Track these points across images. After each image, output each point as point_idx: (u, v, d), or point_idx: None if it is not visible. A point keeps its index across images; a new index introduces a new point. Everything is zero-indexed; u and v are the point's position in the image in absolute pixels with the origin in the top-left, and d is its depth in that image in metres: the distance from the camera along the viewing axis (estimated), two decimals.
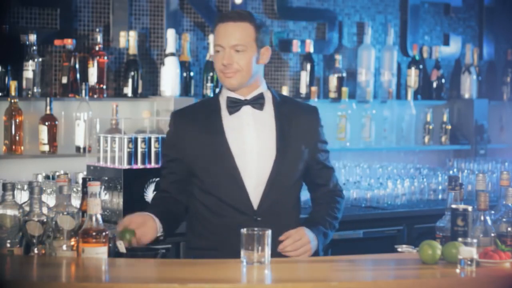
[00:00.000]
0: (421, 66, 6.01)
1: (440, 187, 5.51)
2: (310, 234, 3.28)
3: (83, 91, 4.71)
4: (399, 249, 3.22)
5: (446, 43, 6.28)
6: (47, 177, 4.60)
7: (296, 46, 5.56)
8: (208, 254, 3.26)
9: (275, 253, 3.09)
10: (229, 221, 3.30)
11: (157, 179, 4.35)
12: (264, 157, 3.34)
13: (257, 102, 3.39)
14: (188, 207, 3.45)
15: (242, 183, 3.31)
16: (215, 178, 3.32)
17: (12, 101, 4.58)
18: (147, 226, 3.23)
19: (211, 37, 5.19)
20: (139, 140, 4.35)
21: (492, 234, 3.16)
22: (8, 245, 3.07)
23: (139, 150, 4.34)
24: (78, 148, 4.76)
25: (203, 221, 3.37)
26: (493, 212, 3.29)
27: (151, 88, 5.16)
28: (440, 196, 5.49)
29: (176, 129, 3.42)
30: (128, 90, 4.98)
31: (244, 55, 3.32)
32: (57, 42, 4.81)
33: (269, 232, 2.87)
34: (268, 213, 3.31)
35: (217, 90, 5.15)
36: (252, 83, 3.39)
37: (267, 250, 2.86)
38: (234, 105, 3.38)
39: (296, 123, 3.40)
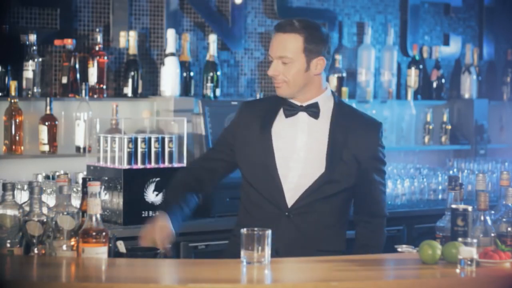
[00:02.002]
0: (421, 66, 6.01)
1: (440, 187, 5.50)
2: None
3: (83, 91, 4.71)
4: (399, 249, 3.22)
5: (446, 43, 6.28)
6: (47, 177, 4.60)
7: None
8: None
9: (300, 246, 3.31)
10: (265, 212, 3.40)
11: (157, 179, 4.36)
12: (310, 165, 3.38)
13: (311, 110, 3.43)
14: (212, 188, 3.63)
15: (279, 183, 3.38)
16: (254, 171, 3.43)
17: (12, 101, 4.58)
18: (166, 232, 3.35)
19: (211, 37, 5.19)
20: (139, 140, 4.35)
21: (492, 234, 3.16)
22: (8, 245, 3.07)
23: (139, 150, 4.34)
24: (78, 148, 4.76)
25: (246, 211, 3.49)
26: (493, 212, 3.29)
27: (151, 88, 5.16)
28: (440, 196, 5.49)
29: (238, 118, 3.54)
30: (128, 90, 4.98)
31: (290, 67, 3.37)
32: (57, 42, 4.81)
33: (269, 232, 2.87)
34: (300, 213, 3.38)
35: (217, 90, 5.17)
36: (307, 91, 3.42)
37: (267, 250, 2.86)
38: (290, 109, 3.44)
39: (352, 137, 3.41)
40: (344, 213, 3.48)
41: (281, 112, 3.47)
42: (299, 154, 3.40)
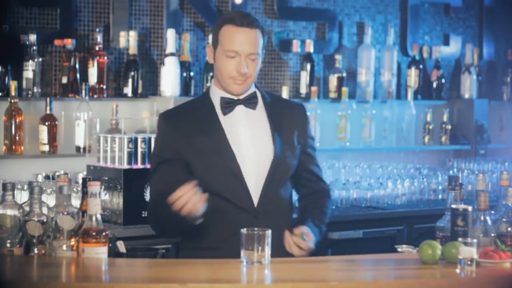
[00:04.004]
0: (421, 66, 6.01)
1: (440, 187, 5.51)
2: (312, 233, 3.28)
3: (83, 91, 4.71)
4: (399, 249, 3.22)
5: (446, 43, 6.28)
6: (47, 177, 4.60)
7: (296, 46, 5.56)
8: (207, 254, 3.18)
9: (274, 253, 3.03)
10: (230, 218, 3.25)
11: None
12: (262, 156, 3.33)
13: (251, 102, 3.38)
14: None
15: (244, 181, 3.28)
16: (216, 176, 3.27)
17: (12, 101, 4.59)
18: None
19: (211, 37, 5.17)
20: (139, 140, 4.35)
21: (492, 234, 3.16)
22: (8, 245, 3.07)
23: (139, 150, 4.34)
24: (78, 148, 4.76)
25: (209, 222, 3.23)
26: (493, 212, 3.29)
27: (151, 88, 5.16)
28: (440, 196, 5.49)
29: (169, 129, 3.33)
30: (128, 90, 4.98)
31: (255, 63, 3.31)
32: (57, 42, 4.81)
33: (269, 232, 2.87)
34: (267, 210, 3.29)
35: None
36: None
37: (267, 250, 2.86)
38: (228, 105, 3.35)
39: (287, 121, 3.41)
40: (292, 209, 3.45)
41: (217, 110, 3.35)
42: (248, 148, 3.32)
